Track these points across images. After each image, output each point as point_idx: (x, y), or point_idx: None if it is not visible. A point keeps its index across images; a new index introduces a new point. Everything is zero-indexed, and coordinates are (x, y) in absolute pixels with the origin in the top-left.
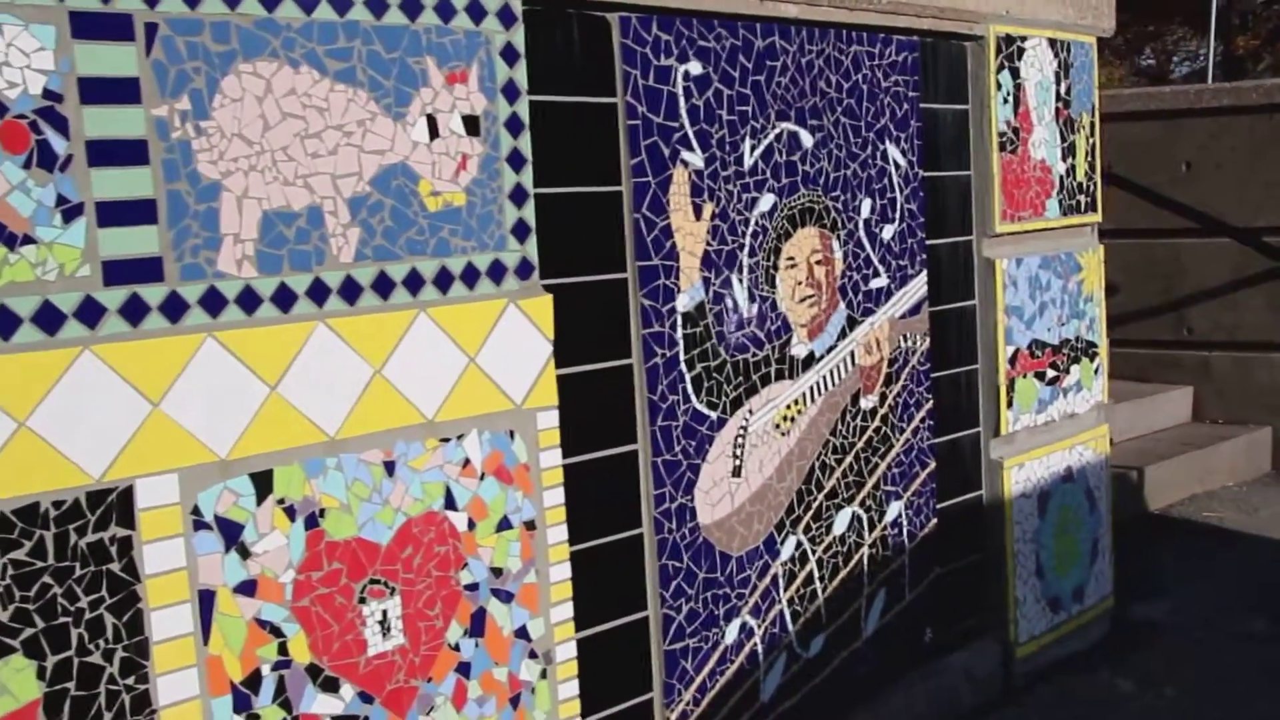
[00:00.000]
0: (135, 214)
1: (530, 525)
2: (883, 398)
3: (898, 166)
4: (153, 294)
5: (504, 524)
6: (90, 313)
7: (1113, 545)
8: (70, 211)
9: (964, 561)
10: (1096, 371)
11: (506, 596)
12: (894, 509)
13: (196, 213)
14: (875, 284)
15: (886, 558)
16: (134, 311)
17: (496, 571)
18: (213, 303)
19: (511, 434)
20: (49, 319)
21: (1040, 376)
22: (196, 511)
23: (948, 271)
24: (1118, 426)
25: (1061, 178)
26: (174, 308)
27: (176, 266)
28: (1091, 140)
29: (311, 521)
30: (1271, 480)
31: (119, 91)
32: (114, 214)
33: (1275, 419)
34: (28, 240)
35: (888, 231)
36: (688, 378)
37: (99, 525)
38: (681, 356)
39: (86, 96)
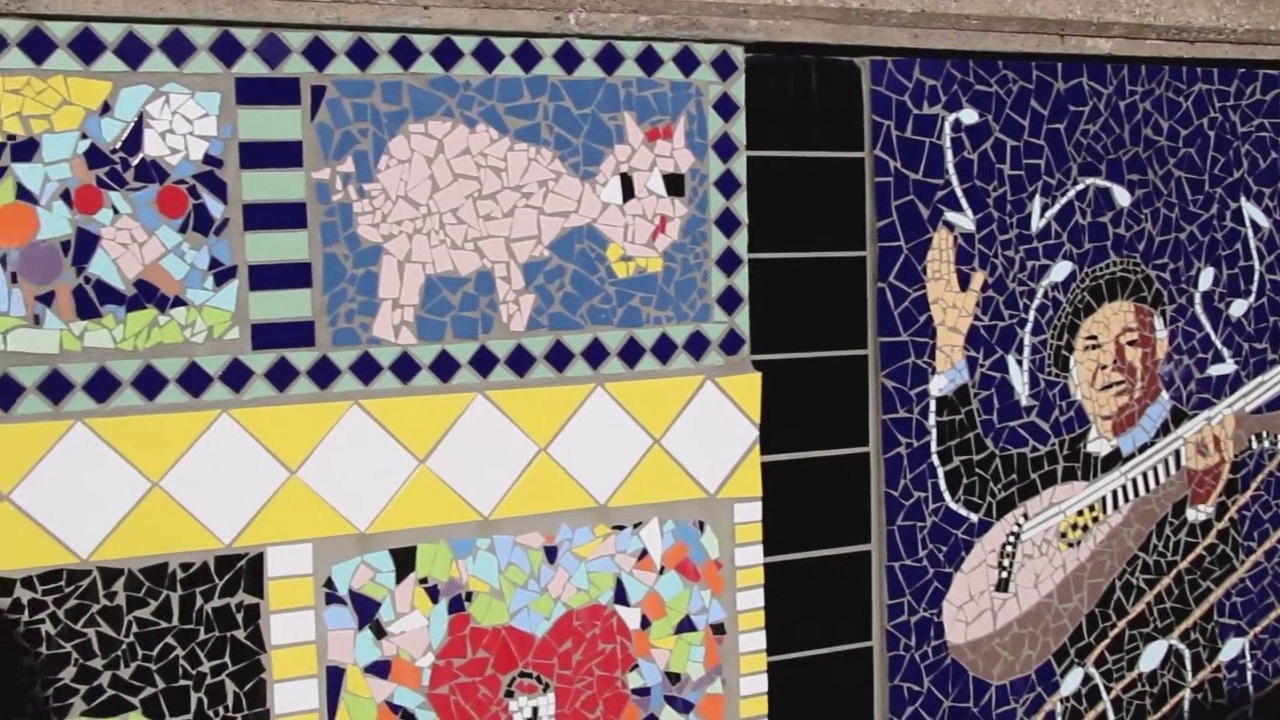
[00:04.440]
0: (289, 277)
1: (719, 629)
2: (1221, 509)
3: (1257, 229)
4: (302, 359)
5: (686, 625)
6: (236, 376)
7: None
8: (222, 274)
9: None
10: None
11: (684, 706)
12: (1233, 647)
13: (354, 276)
14: (1216, 370)
15: (1220, 706)
16: (281, 376)
17: (673, 677)
18: (365, 369)
19: (701, 525)
20: (194, 381)
21: None
22: (330, 584)
23: None
24: None
25: None
26: (324, 373)
27: (329, 331)
28: None
29: (457, 604)
30: None
31: (280, 155)
32: (267, 277)
33: None
34: (178, 302)
35: (1238, 307)
36: (940, 472)
37: (226, 590)
38: (934, 447)
39: (247, 161)
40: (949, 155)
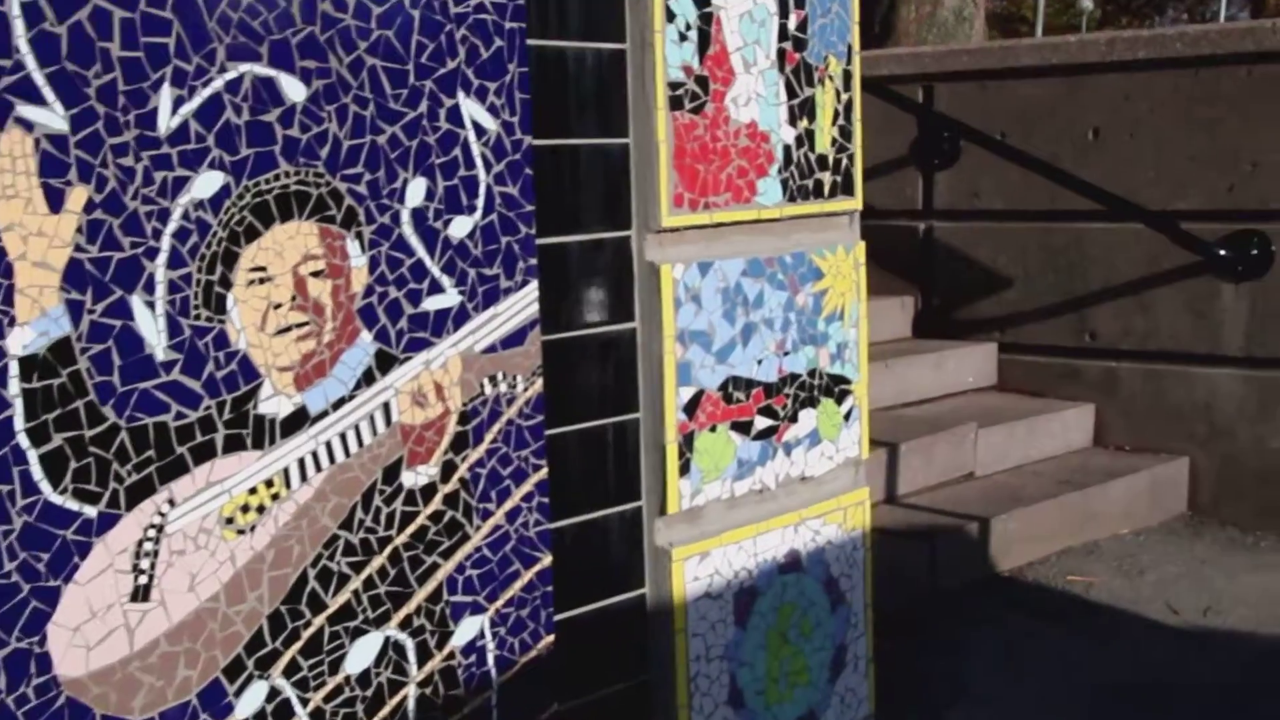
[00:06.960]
0: None
1: None
2: (448, 469)
3: (481, 132)
4: None
5: None
6: None
7: (869, 645)
8: None
9: (605, 692)
10: (848, 417)
11: None
12: (469, 627)
13: None
14: (434, 303)
15: (455, 698)
16: None
17: None
18: None
19: None
20: None
21: (743, 428)
22: None
23: (579, 282)
24: (989, 456)
25: (788, 148)
26: None
27: None
28: (847, 96)
29: None
30: (1180, 528)
31: None
32: None
33: (1193, 448)
34: None
35: (460, 226)
36: (33, 456)
37: None
38: (20, 424)
39: None
40: (19, 26)
